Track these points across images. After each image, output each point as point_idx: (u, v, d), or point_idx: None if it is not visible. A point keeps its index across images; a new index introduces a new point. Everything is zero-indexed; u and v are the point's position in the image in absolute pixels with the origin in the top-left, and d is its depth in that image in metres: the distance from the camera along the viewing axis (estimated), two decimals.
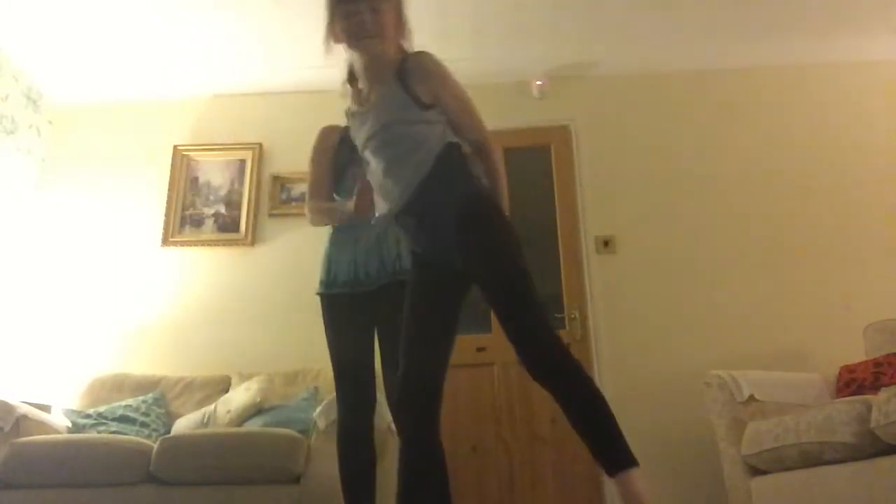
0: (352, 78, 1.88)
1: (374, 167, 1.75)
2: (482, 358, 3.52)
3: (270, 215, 3.85)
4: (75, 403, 3.22)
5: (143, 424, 3.02)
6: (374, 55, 1.74)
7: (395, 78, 1.71)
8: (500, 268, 1.56)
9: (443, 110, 1.71)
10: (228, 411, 2.95)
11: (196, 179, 3.96)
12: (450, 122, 1.73)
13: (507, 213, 1.71)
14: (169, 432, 2.97)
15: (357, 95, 1.87)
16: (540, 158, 3.95)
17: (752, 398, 2.74)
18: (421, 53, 1.72)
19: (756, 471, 2.60)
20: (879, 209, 3.69)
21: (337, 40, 1.78)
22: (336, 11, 1.76)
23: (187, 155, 3.99)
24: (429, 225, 1.68)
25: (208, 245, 3.80)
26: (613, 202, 3.78)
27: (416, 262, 1.76)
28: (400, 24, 1.78)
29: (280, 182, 3.91)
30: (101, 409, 3.08)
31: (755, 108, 3.95)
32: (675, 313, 3.54)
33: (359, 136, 1.82)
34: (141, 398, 3.16)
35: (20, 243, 3.73)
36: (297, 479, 2.55)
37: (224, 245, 3.80)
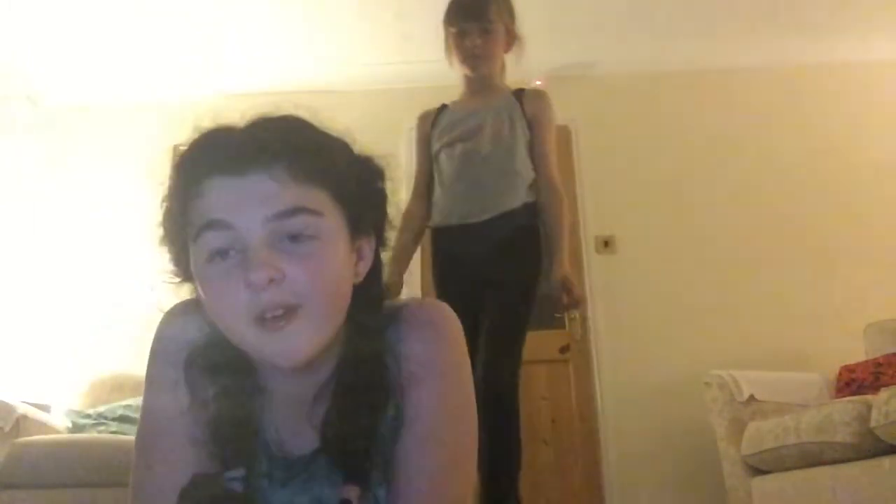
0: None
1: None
2: None
3: None
4: (75, 403, 3.22)
5: None
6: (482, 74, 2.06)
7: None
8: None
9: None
10: None
11: None
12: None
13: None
14: None
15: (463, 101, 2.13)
16: None
17: (752, 398, 2.74)
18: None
19: (756, 471, 2.60)
20: (879, 209, 3.69)
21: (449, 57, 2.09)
22: (448, 31, 2.04)
23: None
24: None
25: None
26: (613, 202, 3.77)
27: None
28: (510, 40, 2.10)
29: None
30: (101, 409, 3.07)
31: (755, 108, 3.94)
32: (675, 313, 3.54)
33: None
34: (141, 398, 3.15)
35: (20, 243, 3.73)
36: None
37: None
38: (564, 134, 3.94)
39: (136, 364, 3.48)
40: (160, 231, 0.81)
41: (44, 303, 3.65)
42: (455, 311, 0.79)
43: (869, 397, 2.17)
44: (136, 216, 3.88)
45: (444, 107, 2.17)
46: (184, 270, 0.77)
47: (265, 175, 0.67)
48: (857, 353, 3.07)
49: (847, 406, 2.16)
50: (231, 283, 0.66)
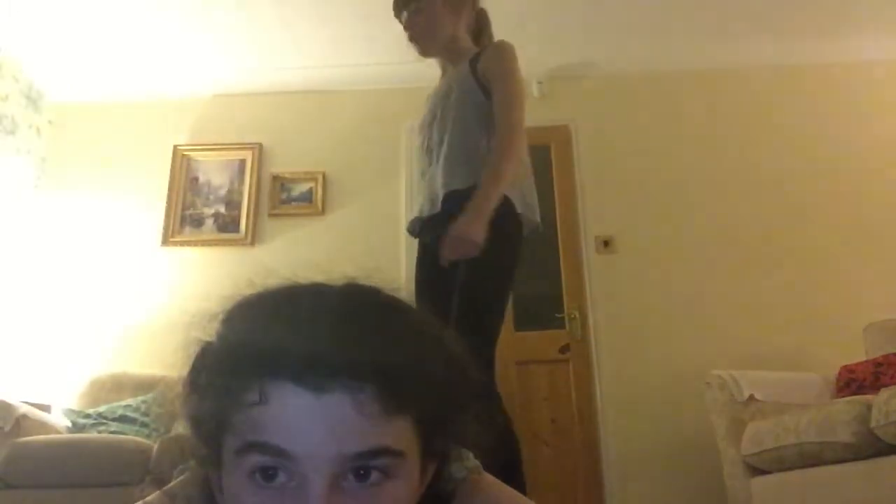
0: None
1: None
2: None
3: (270, 215, 3.85)
4: (75, 403, 3.22)
5: (143, 424, 3.02)
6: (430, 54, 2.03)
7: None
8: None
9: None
10: None
11: (196, 179, 3.96)
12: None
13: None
14: (169, 432, 2.97)
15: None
16: (540, 158, 3.93)
17: (752, 398, 2.74)
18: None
19: (756, 471, 2.60)
20: (879, 209, 3.69)
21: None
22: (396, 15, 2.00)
23: (187, 155, 3.99)
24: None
25: (208, 245, 3.80)
26: (613, 202, 3.77)
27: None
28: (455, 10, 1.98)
29: (280, 182, 3.91)
30: (101, 409, 3.08)
31: (754, 108, 3.94)
32: (675, 313, 3.54)
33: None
34: (141, 398, 3.16)
35: (20, 243, 3.73)
36: None
37: (224, 245, 3.80)
38: (564, 134, 3.94)
39: (135, 364, 3.49)
40: (187, 401, 0.62)
41: (44, 303, 3.65)
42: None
43: (869, 397, 2.17)
44: (135, 215, 3.88)
45: None
46: (209, 456, 0.61)
47: (348, 400, 0.54)
48: (857, 353, 3.07)
49: (847, 406, 2.16)
50: None
